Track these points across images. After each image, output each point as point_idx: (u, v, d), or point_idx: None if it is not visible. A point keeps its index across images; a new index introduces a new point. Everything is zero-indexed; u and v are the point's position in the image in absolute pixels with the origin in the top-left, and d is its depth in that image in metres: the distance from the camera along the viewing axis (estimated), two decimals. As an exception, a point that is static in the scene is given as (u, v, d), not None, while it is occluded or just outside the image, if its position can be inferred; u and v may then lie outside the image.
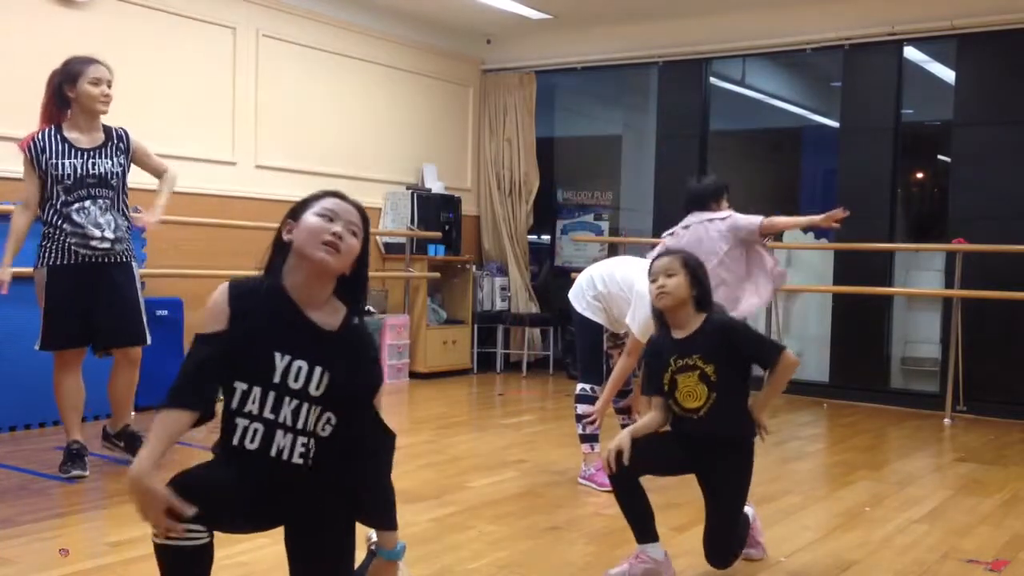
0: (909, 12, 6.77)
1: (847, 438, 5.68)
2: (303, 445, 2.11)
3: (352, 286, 2.18)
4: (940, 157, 8.74)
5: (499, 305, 8.27)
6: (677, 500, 3.75)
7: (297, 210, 2.15)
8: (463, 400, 6.88)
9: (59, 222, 3.99)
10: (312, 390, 2.09)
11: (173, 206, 6.03)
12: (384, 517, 2.19)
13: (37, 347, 4.05)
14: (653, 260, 3.02)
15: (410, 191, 7.66)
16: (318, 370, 2.09)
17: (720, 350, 2.89)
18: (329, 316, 2.13)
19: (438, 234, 7.64)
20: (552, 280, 8.61)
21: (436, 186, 7.93)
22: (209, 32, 6.39)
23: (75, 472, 4.02)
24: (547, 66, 8.39)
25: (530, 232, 8.60)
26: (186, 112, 6.23)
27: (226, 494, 2.04)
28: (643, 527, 2.94)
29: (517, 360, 8.31)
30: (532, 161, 8.48)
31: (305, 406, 2.09)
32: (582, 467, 4.25)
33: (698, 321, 2.95)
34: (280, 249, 2.14)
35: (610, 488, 4.03)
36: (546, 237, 8.98)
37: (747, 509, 3.07)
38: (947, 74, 7.27)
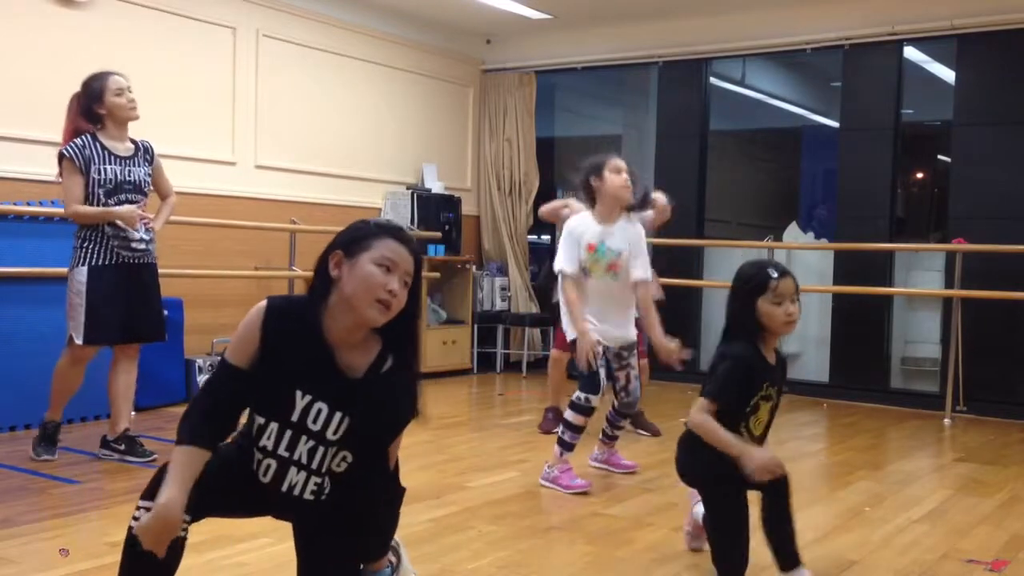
0: (909, 12, 6.77)
1: (847, 438, 5.68)
2: (316, 484, 2.07)
3: (391, 329, 2.05)
4: (940, 157, 8.75)
5: (499, 305, 8.27)
6: (677, 500, 3.75)
7: (350, 244, 2.00)
8: (463, 400, 6.88)
9: (102, 225, 4.19)
10: (330, 434, 2.03)
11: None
12: (372, 554, 2.19)
13: (79, 341, 4.18)
14: (778, 280, 2.71)
15: (410, 191, 7.67)
16: (338, 415, 2.02)
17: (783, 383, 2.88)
18: (360, 356, 2.04)
19: (438, 234, 7.64)
20: (552, 280, 8.58)
21: (436, 186, 7.93)
22: (209, 32, 6.39)
23: (45, 457, 4.25)
24: (547, 66, 8.38)
25: (530, 232, 8.60)
26: (186, 112, 6.23)
27: (229, 491, 2.03)
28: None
29: (517, 360, 8.31)
30: (532, 161, 8.48)
31: (321, 448, 2.04)
32: (546, 467, 4.15)
33: (774, 352, 2.84)
34: (323, 279, 2.01)
35: (575, 490, 4.02)
36: (546, 237, 8.98)
37: (700, 507, 3.07)
38: (947, 74, 7.28)
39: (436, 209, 7.73)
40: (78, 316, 4.17)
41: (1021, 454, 5.29)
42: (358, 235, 2.02)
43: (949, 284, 6.61)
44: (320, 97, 7.18)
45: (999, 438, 5.74)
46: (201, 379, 5.96)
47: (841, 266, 7.26)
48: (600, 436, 4.52)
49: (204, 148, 6.37)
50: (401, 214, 7.60)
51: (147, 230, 4.30)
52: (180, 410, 6.13)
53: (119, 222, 4.17)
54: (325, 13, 7.16)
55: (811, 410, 6.62)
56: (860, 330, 7.09)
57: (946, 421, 6.22)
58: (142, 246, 4.28)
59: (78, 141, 4.17)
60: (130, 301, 4.25)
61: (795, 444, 5.35)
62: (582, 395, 4.06)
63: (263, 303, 2.01)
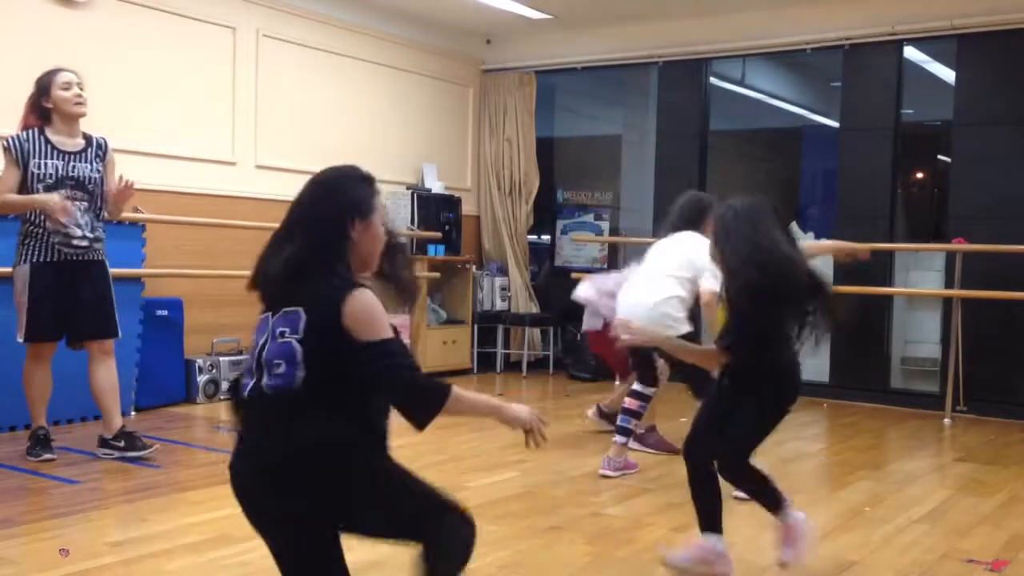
0: (909, 12, 6.77)
1: (847, 438, 5.68)
2: None
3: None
4: (940, 157, 8.75)
5: (499, 305, 8.27)
6: (677, 500, 3.75)
7: (363, 208, 2.14)
8: (463, 400, 6.87)
9: (42, 221, 4.18)
10: None
11: (173, 206, 6.05)
12: None
13: (20, 339, 4.24)
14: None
15: (410, 191, 7.66)
16: None
17: None
18: None
19: (438, 234, 7.64)
20: (552, 280, 8.60)
21: (436, 186, 7.93)
22: (209, 32, 6.38)
23: (45, 456, 4.27)
24: (547, 66, 8.38)
25: (530, 232, 8.60)
26: (186, 112, 6.23)
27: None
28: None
29: (517, 360, 8.30)
30: (532, 161, 8.48)
31: None
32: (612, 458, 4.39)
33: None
34: (342, 243, 2.11)
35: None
36: (546, 237, 8.98)
37: (797, 513, 3.03)
38: (947, 74, 7.27)
39: (436, 209, 7.73)
40: (21, 314, 4.21)
41: (1021, 454, 5.29)
42: (361, 197, 2.16)
43: (949, 284, 6.61)
44: (320, 97, 7.18)
45: (999, 438, 5.74)
46: (201, 379, 5.94)
47: (841, 266, 7.25)
48: (624, 437, 4.50)
49: (204, 148, 6.37)
50: (401, 214, 7.59)
51: (92, 228, 4.28)
52: (180, 410, 6.07)
53: (59, 217, 4.13)
54: (325, 13, 7.16)
55: (811, 410, 6.61)
56: (860, 330, 7.08)
57: (946, 421, 6.22)
58: (84, 243, 4.25)
59: (23, 134, 4.21)
60: (76, 298, 4.25)
61: (795, 444, 5.35)
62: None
63: (363, 291, 2.06)
